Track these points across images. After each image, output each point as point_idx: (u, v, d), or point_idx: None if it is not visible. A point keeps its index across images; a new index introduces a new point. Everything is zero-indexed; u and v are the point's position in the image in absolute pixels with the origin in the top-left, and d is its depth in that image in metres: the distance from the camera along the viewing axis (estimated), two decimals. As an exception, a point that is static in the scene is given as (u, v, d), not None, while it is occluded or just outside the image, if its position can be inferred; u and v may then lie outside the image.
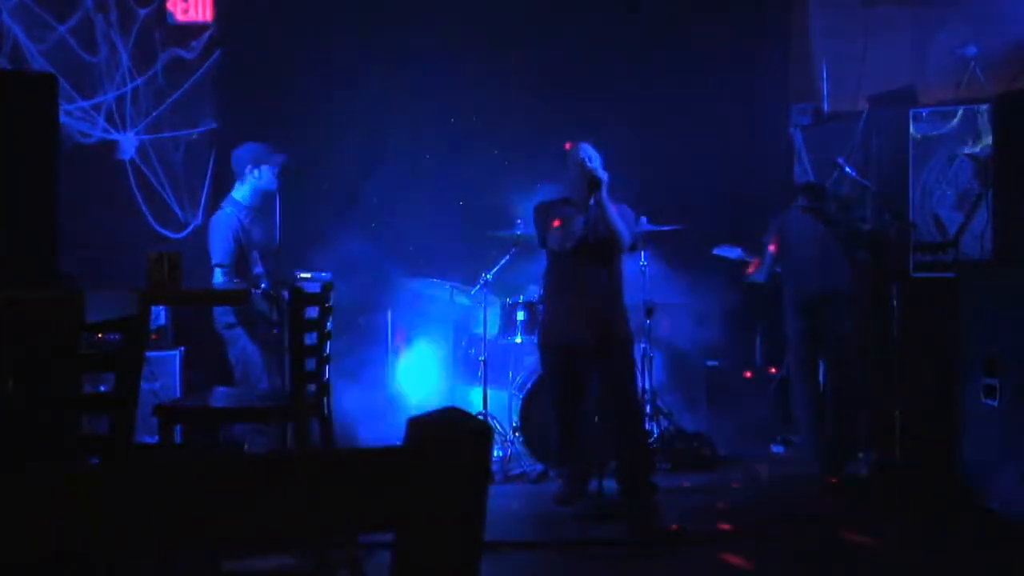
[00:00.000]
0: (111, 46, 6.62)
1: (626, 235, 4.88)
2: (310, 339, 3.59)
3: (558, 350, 5.00)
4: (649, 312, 6.02)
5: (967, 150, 6.09)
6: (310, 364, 3.60)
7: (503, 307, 6.12)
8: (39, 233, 2.48)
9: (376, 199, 6.66)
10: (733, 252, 6.12)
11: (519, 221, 5.91)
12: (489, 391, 5.90)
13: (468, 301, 6.16)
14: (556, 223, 4.90)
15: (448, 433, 0.73)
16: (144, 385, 3.68)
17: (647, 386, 5.95)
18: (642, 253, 5.87)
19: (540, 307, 5.86)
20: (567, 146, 5.07)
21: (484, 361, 5.92)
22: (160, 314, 5.67)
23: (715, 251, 6.16)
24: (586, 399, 5.04)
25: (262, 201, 5.27)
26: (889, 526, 4.67)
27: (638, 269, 5.90)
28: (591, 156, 4.95)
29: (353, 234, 6.36)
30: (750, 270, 6.05)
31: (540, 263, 5.89)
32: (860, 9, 6.79)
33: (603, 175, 4.82)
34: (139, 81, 6.66)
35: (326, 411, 3.76)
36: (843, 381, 5.72)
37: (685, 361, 6.75)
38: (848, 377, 5.74)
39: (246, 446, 5.00)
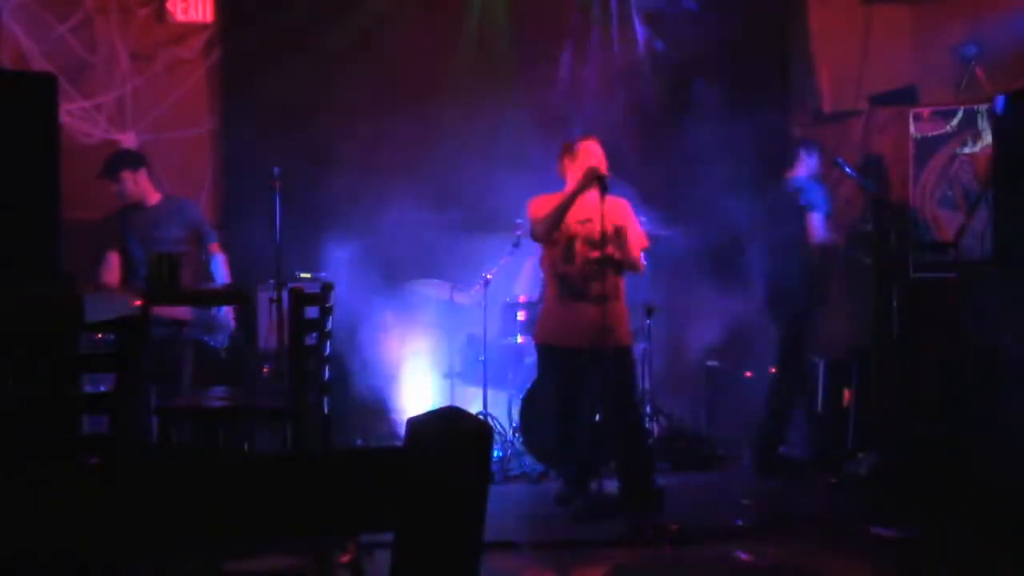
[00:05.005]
0: (111, 46, 6.62)
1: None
2: (310, 339, 3.59)
3: (554, 351, 4.94)
4: (649, 312, 6.02)
5: (967, 150, 6.08)
6: (310, 364, 3.60)
7: (503, 307, 6.10)
8: (40, 233, 2.48)
9: (376, 198, 6.65)
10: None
11: (519, 221, 5.90)
12: (489, 391, 5.90)
13: (468, 301, 6.16)
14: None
15: (448, 433, 0.73)
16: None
17: (647, 386, 5.94)
18: (642, 253, 5.83)
19: (539, 306, 5.85)
20: (574, 142, 5.00)
21: (484, 361, 5.92)
22: None
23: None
24: (585, 398, 5.02)
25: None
26: (888, 526, 4.67)
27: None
28: (596, 153, 4.88)
29: (353, 234, 6.35)
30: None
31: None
32: (860, 9, 6.77)
33: (605, 172, 4.73)
34: (139, 81, 6.66)
35: (326, 411, 3.76)
36: (840, 382, 5.72)
37: (685, 361, 6.74)
38: (845, 378, 5.73)
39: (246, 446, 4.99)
